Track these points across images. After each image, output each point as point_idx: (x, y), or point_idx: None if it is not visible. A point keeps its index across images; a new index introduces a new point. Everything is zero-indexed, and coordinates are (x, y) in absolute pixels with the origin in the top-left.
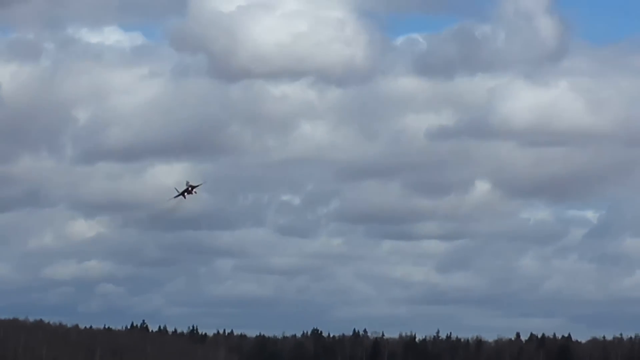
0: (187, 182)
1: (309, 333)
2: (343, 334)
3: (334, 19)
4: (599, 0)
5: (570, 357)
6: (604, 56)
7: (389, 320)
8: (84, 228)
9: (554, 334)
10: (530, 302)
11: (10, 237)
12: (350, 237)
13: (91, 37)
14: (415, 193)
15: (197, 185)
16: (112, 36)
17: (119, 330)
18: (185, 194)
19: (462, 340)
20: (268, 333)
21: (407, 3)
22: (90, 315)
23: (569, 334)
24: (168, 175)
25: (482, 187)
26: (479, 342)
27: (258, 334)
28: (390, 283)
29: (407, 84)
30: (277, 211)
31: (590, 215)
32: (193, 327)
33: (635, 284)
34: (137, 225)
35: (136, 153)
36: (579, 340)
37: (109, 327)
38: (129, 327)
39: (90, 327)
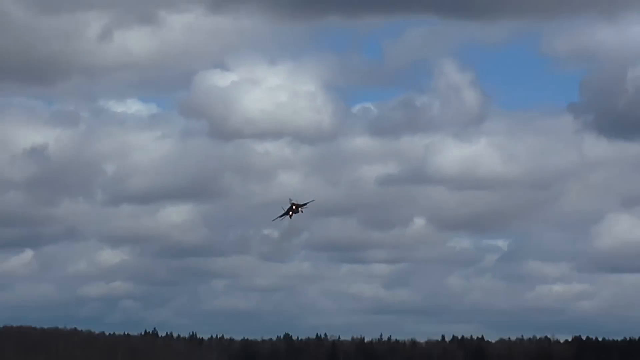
0: (291, 201)
1: (282, 337)
2: (308, 338)
3: (307, 91)
4: (512, 76)
5: (483, 354)
6: (516, 120)
7: (344, 327)
8: (110, 256)
9: (471, 336)
10: (454, 311)
11: (53, 264)
12: (316, 262)
13: (117, 107)
14: (368, 227)
15: (305, 204)
16: (133, 106)
17: (136, 336)
18: (291, 212)
19: (400, 341)
20: (251, 337)
21: (362, 78)
22: (113, 324)
23: (482, 336)
24: (176, 214)
25: (419, 223)
26: (413, 343)
27: (243, 338)
28: (347, 297)
29: (362, 142)
30: (260, 242)
31: (501, 243)
32: (192, 333)
33: (536, 297)
34: (151, 254)
35: (151, 197)
36: (490, 340)
37: (128, 334)
38: (143, 333)
39: (114, 333)
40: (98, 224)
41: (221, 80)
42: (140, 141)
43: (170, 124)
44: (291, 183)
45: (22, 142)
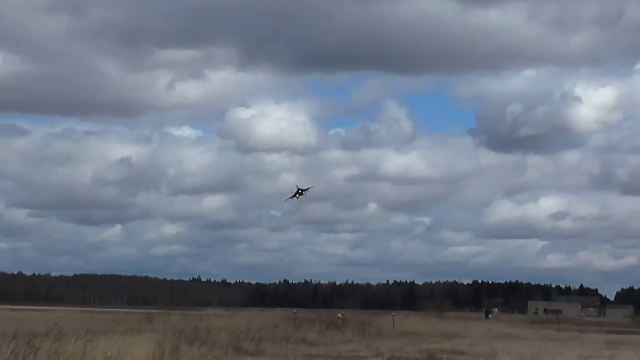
0: (297, 187)
1: (282, 282)
2: (299, 282)
3: (300, 121)
4: (432, 111)
5: (413, 294)
6: (435, 139)
7: (323, 275)
8: (171, 229)
9: (406, 280)
10: (395, 264)
11: (134, 234)
12: (305, 232)
13: (176, 132)
14: (339, 210)
15: (307, 189)
16: (186, 132)
17: (187, 281)
18: (298, 195)
19: (360, 284)
20: (262, 282)
21: (336, 113)
22: (172, 273)
23: (413, 280)
24: (214, 201)
25: (372, 206)
26: (368, 285)
27: (257, 282)
28: (325, 255)
29: (336, 154)
30: (269, 219)
31: (426, 220)
32: (224, 279)
33: (448, 255)
34: (198, 227)
35: (198, 190)
36: (419, 283)
37: (181, 279)
38: (191, 279)
39: (173, 279)
40: (163, 208)
41: (244, 114)
42: (191, 154)
43: (211, 143)
44: (289, 181)
45: (115, 154)
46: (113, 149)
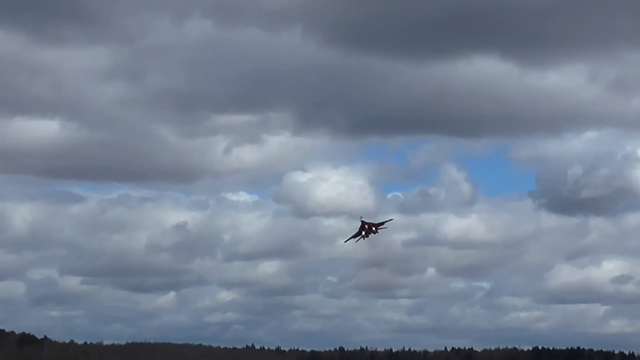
0: (362, 218)
1: (337, 349)
2: (355, 349)
3: (358, 185)
4: (491, 174)
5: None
6: (494, 203)
7: (379, 342)
8: (225, 295)
9: (464, 347)
10: (453, 330)
11: (188, 301)
12: (361, 298)
13: (232, 197)
14: (396, 274)
15: (382, 224)
16: (243, 197)
17: (241, 349)
18: (364, 233)
19: (417, 351)
20: (316, 349)
21: (394, 176)
22: (226, 340)
23: (472, 347)
24: (269, 267)
25: (430, 271)
26: (426, 352)
27: (311, 350)
28: (381, 322)
29: (394, 218)
30: (326, 285)
31: (485, 285)
32: (278, 346)
33: (508, 320)
34: (253, 293)
35: (253, 256)
36: (477, 350)
37: (235, 347)
38: (245, 347)
39: (226, 347)
40: (218, 274)
41: (301, 178)
42: (247, 219)
43: (267, 207)
44: (346, 246)
45: (171, 220)
46: (168, 215)
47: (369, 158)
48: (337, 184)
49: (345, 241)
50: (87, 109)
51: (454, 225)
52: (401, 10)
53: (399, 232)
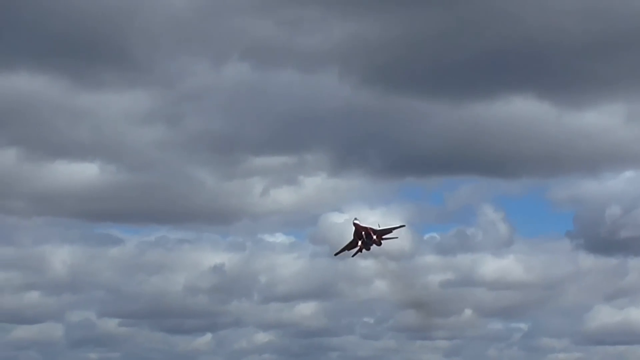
0: (355, 220)
1: None
2: None
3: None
4: (528, 214)
5: None
6: (532, 244)
7: None
8: (262, 337)
9: None
10: None
11: (224, 343)
12: (398, 340)
13: (269, 238)
14: (433, 316)
15: (386, 231)
16: (279, 238)
17: None
18: (361, 243)
19: None
20: None
21: (430, 217)
22: None
23: None
24: (306, 308)
25: (468, 312)
26: None
27: None
28: None
29: (430, 259)
30: (362, 326)
31: (523, 326)
32: None
33: None
34: (289, 335)
35: (290, 297)
36: None
37: None
38: None
39: None
40: (255, 316)
41: (338, 219)
42: (284, 260)
43: (304, 249)
44: (382, 286)
45: (208, 261)
46: (206, 257)
47: (405, 199)
48: (373, 225)
49: (336, 254)
50: (126, 152)
51: (491, 266)
52: (437, 50)
53: (435, 273)
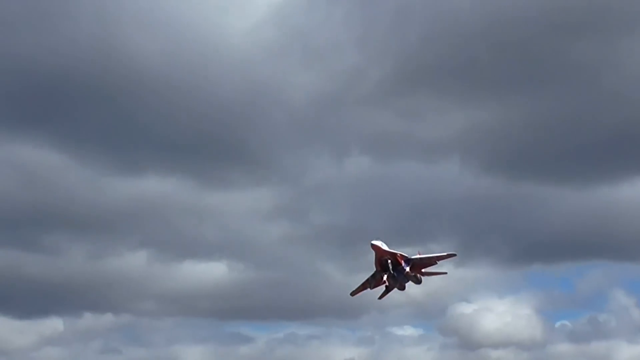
0: (374, 243)
1: None
2: None
3: (525, 315)
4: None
5: None
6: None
7: None
8: None
9: None
10: None
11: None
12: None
13: (398, 331)
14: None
15: (436, 258)
16: (408, 330)
17: None
18: (386, 278)
19: None
20: None
21: (561, 304)
22: None
23: None
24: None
25: None
26: None
27: None
28: None
29: (563, 348)
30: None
31: None
32: None
33: None
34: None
35: None
36: None
37: None
38: None
39: None
40: None
41: (466, 309)
42: (413, 353)
43: (433, 340)
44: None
45: (338, 356)
46: (336, 352)
47: (534, 286)
48: (503, 314)
49: (352, 293)
50: (252, 249)
51: (626, 353)
52: (559, 135)
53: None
